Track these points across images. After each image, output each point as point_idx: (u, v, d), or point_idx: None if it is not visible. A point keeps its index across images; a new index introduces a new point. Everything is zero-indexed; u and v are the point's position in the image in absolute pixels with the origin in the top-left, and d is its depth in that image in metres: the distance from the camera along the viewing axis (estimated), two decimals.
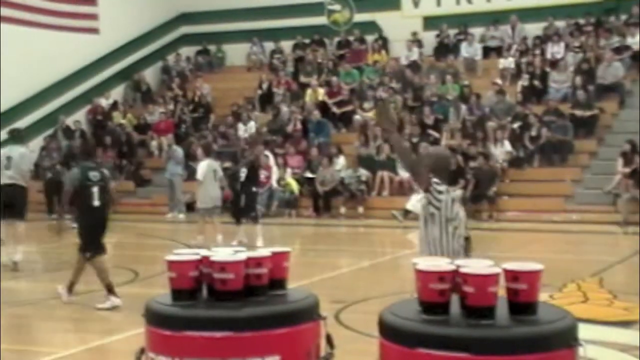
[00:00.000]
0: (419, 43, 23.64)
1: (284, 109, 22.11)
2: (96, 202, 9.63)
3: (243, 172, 14.35)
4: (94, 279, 12.16)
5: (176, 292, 4.78)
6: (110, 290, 9.71)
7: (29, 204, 20.11)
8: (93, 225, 9.74)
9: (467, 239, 5.63)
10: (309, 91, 22.58)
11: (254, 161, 14.64)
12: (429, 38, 23.98)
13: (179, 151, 20.43)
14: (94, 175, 9.71)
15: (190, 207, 20.36)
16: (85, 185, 9.61)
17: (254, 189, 14.40)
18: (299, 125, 21.35)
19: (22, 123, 22.66)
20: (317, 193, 19.30)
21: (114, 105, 24.41)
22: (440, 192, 5.42)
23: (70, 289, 9.89)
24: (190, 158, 20.75)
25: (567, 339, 4.14)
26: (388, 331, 4.29)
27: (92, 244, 9.72)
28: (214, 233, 14.34)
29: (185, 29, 27.18)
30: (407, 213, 18.07)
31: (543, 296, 4.34)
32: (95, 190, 9.61)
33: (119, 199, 20.75)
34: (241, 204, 14.40)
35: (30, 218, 18.85)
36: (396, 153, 5.75)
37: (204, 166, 14.46)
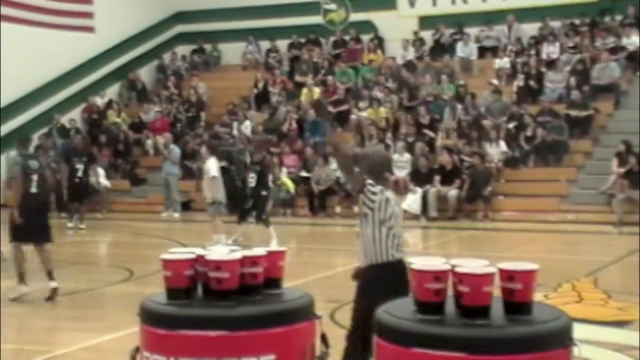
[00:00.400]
0: (421, 41, 23.64)
1: (282, 108, 22.10)
2: (34, 189, 9.95)
3: (252, 178, 14.26)
4: (87, 278, 12.19)
5: (171, 291, 4.78)
6: (21, 278, 9.97)
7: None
8: (33, 211, 9.92)
9: None
10: (304, 90, 22.56)
11: (263, 165, 14.58)
12: (425, 38, 23.99)
13: (176, 150, 20.41)
14: (33, 163, 10.10)
15: (186, 206, 20.38)
16: (25, 173, 9.91)
17: (264, 193, 14.33)
18: (294, 125, 21.34)
19: (17, 121, 22.70)
20: (312, 192, 19.31)
21: (109, 104, 24.37)
22: (374, 193, 5.41)
23: (21, 279, 10.02)
24: (186, 157, 20.76)
25: (562, 338, 4.15)
26: (384, 330, 4.30)
27: (34, 230, 9.92)
28: (213, 231, 14.29)
29: (181, 28, 27.15)
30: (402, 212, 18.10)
31: (538, 296, 4.35)
32: (34, 178, 9.97)
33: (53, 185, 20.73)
34: (247, 205, 14.36)
35: None
36: (332, 152, 5.78)
37: (215, 163, 14.42)
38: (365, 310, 5.21)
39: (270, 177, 14.95)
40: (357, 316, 5.41)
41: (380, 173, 5.62)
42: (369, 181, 5.43)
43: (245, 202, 14.45)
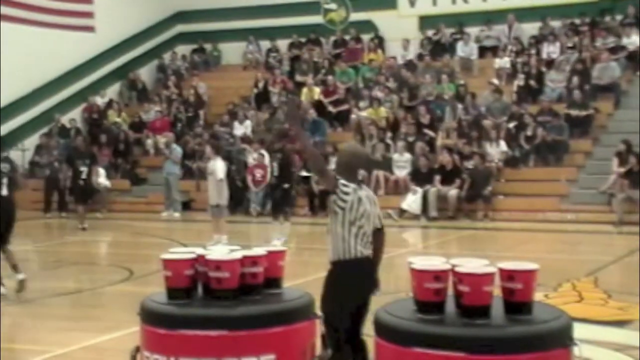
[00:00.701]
0: (429, 40, 23.63)
1: (284, 108, 22.07)
2: (4, 192, 10.08)
3: (275, 168, 14.14)
4: (87, 277, 12.20)
5: (171, 291, 4.78)
6: None
7: (25, 202, 20.13)
8: (3, 213, 10.02)
9: (379, 230, 5.62)
10: (305, 90, 22.55)
11: (284, 153, 14.41)
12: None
13: (178, 150, 20.35)
14: (4, 166, 10.28)
15: (186, 205, 20.37)
16: None
17: (286, 185, 14.19)
18: None
19: (17, 121, 22.70)
20: (313, 192, 19.29)
21: (110, 104, 24.37)
22: (346, 193, 5.40)
23: None
24: (186, 157, 20.74)
25: (562, 338, 4.16)
26: (383, 330, 4.30)
27: (2, 232, 10.03)
28: (214, 231, 14.26)
29: (181, 28, 27.14)
30: (402, 212, 18.11)
31: (538, 296, 4.34)
32: (4, 181, 10.10)
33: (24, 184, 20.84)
34: (276, 196, 14.27)
35: (25, 216, 18.88)
36: (303, 151, 5.65)
37: (221, 165, 14.31)
38: (332, 305, 5.20)
39: (269, 173, 14.85)
40: (325, 311, 5.39)
41: (355, 170, 5.60)
42: (342, 181, 5.42)
43: (274, 197, 14.35)
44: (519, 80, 21.06)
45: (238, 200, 18.96)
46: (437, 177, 18.35)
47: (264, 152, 19.59)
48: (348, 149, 5.77)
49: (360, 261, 5.42)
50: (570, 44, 21.76)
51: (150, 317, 4.73)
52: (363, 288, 5.44)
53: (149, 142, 22.67)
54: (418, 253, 13.60)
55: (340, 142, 20.56)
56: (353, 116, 21.30)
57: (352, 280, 5.38)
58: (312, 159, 5.61)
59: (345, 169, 5.54)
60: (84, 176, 17.88)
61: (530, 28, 22.88)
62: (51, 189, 20.69)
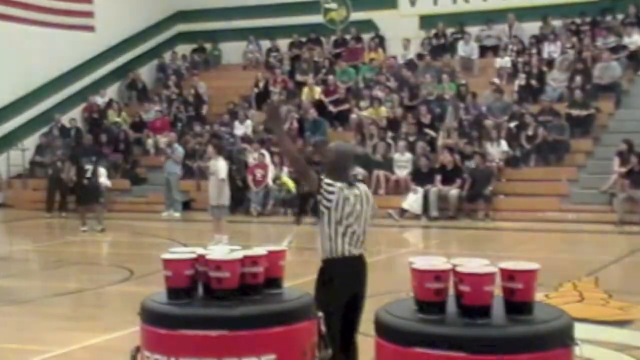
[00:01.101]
0: (429, 40, 23.59)
1: (283, 107, 22.07)
2: None
3: None
4: (87, 277, 12.21)
5: (172, 291, 4.77)
6: None
7: (25, 202, 20.13)
8: None
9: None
10: (305, 89, 22.55)
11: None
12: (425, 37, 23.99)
13: (180, 150, 20.31)
14: None
15: (186, 205, 20.35)
16: None
17: None
18: (295, 124, 21.31)
19: (17, 121, 22.69)
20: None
21: (110, 103, 24.36)
22: (331, 193, 5.39)
23: None
24: (186, 156, 20.73)
25: (563, 338, 4.15)
26: (384, 330, 4.29)
27: None
28: (215, 231, 14.25)
29: (181, 27, 27.15)
30: (403, 212, 18.10)
31: (538, 295, 4.33)
32: None
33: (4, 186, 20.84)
34: (308, 206, 14.22)
35: (26, 216, 18.88)
36: (285, 154, 5.64)
37: (223, 165, 14.29)
38: (323, 304, 5.20)
39: (269, 173, 14.76)
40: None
41: (343, 169, 5.57)
42: (327, 181, 5.41)
43: (303, 204, 14.32)
44: (520, 80, 21.04)
45: (238, 200, 18.96)
46: (438, 177, 18.34)
47: (264, 151, 19.58)
48: (334, 148, 5.73)
49: (347, 260, 5.41)
50: (571, 44, 21.75)
51: (150, 317, 4.72)
52: (354, 287, 5.43)
53: (149, 141, 22.66)
54: (419, 253, 13.60)
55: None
56: (353, 116, 21.28)
57: (341, 279, 5.37)
58: (293, 161, 5.60)
59: (332, 168, 5.53)
60: (88, 174, 17.62)
61: (531, 27, 22.87)
62: (54, 189, 20.63)
